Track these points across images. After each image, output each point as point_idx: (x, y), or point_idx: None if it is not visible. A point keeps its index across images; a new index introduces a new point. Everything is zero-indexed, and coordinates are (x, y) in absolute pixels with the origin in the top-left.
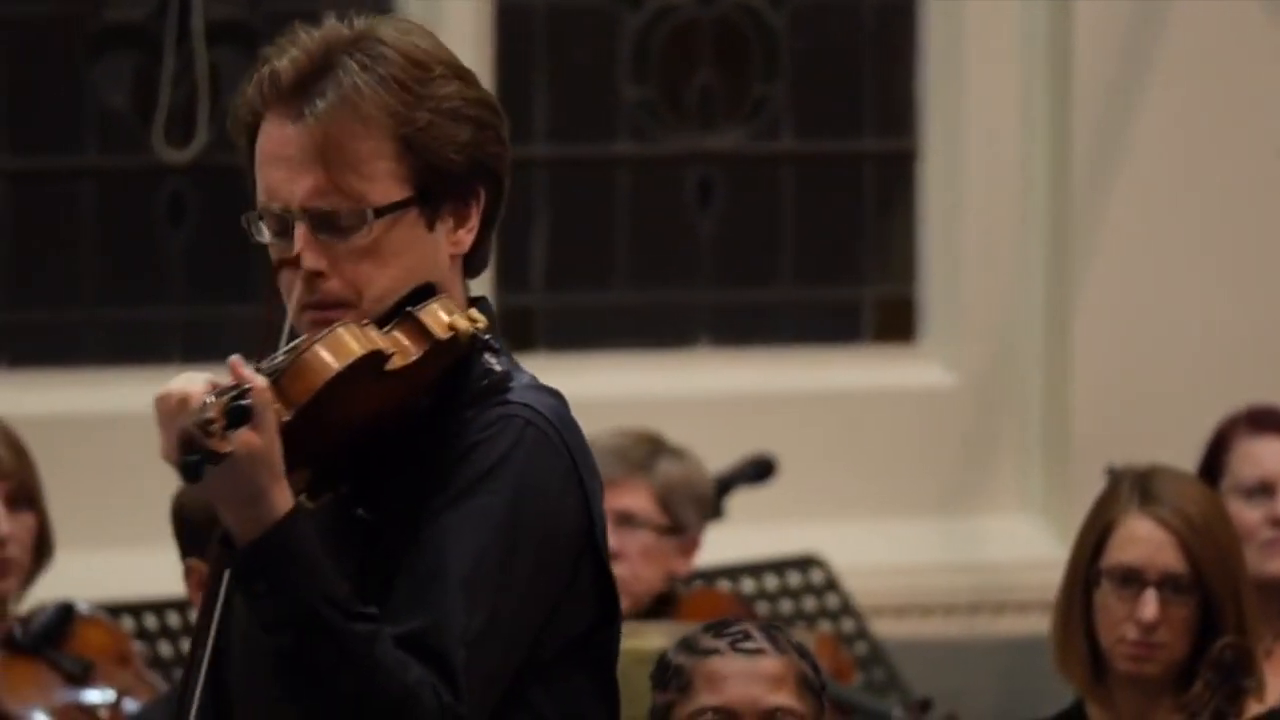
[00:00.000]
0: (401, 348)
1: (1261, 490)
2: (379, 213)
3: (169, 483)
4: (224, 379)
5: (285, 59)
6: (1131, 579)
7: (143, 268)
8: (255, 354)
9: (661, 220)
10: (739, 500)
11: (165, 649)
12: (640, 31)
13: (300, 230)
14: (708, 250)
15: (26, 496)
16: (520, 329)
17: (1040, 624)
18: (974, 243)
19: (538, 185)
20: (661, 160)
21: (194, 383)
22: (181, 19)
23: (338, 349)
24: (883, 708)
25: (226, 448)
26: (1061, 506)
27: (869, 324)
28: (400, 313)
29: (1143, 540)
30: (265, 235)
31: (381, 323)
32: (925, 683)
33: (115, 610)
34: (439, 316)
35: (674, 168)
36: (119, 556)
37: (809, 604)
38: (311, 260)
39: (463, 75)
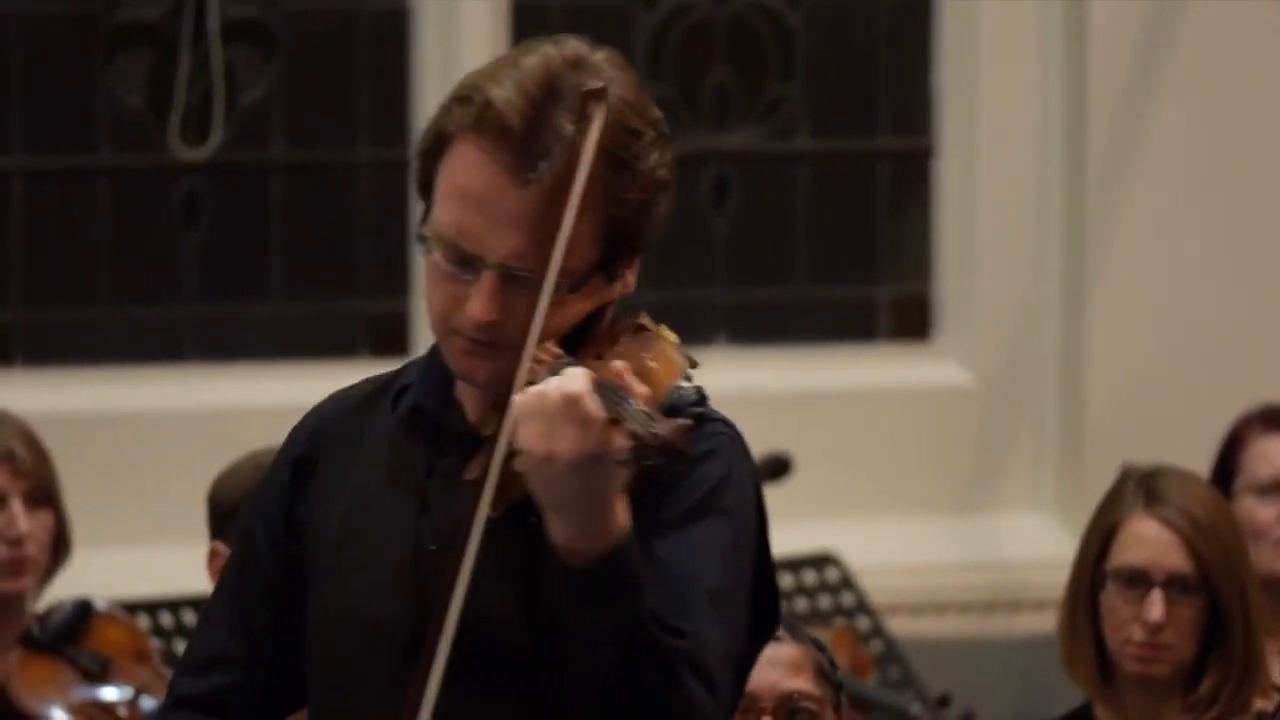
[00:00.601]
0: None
1: (1275, 488)
2: (573, 286)
3: (183, 480)
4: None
5: (506, 94)
6: (1138, 580)
7: (158, 266)
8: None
9: (676, 219)
10: None
11: (182, 646)
12: (655, 30)
13: (489, 282)
14: (723, 249)
15: (45, 495)
16: None
17: (1055, 622)
18: (989, 241)
19: None
20: (676, 159)
21: (577, 380)
22: (197, 18)
23: (669, 361)
24: (901, 704)
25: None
26: (1076, 505)
27: (884, 323)
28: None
29: (1149, 541)
30: (434, 250)
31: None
32: (940, 680)
33: (131, 607)
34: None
35: (689, 166)
36: (134, 554)
37: (824, 602)
38: (486, 313)
39: (662, 131)
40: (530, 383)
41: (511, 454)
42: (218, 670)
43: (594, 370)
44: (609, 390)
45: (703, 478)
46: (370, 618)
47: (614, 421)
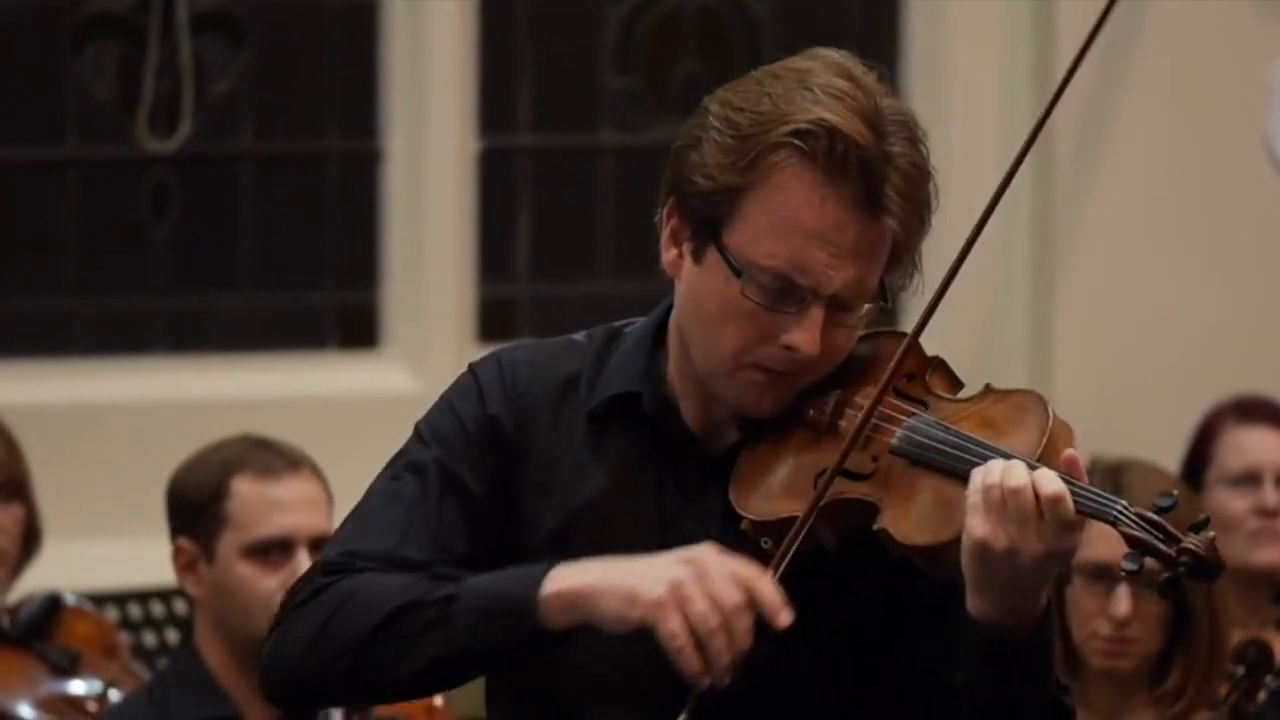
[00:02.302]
0: None
1: (1248, 480)
2: (871, 299)
3: (152, 472)
4: None
5: (848, 123)
6: (1102, 574)
7: (126, 258)
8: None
9: (645, 210)
10: None
11: (150, 638)
12: (624, 21)
13: (817, 314)
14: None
15: (15, 488)
16: (503, 319)
17: None
18: (955, 235)
19: (521, 175)
20: (645, 150)
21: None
22: (165, 9)
23: (1063, 425)
24: None
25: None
26: None
27: None
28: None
29: (1112, 536)
30: (744, 286)
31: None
32: None
33: (99, 599)
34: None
35: (658, 157)
36: (103, 545)
37: None
38: (817, 346)
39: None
40: (878, 428)
41: (847, 505)
42: (399, 569)
43: (940, 417)
44: (1070, 483)
45: None
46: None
47: (1132, 538)
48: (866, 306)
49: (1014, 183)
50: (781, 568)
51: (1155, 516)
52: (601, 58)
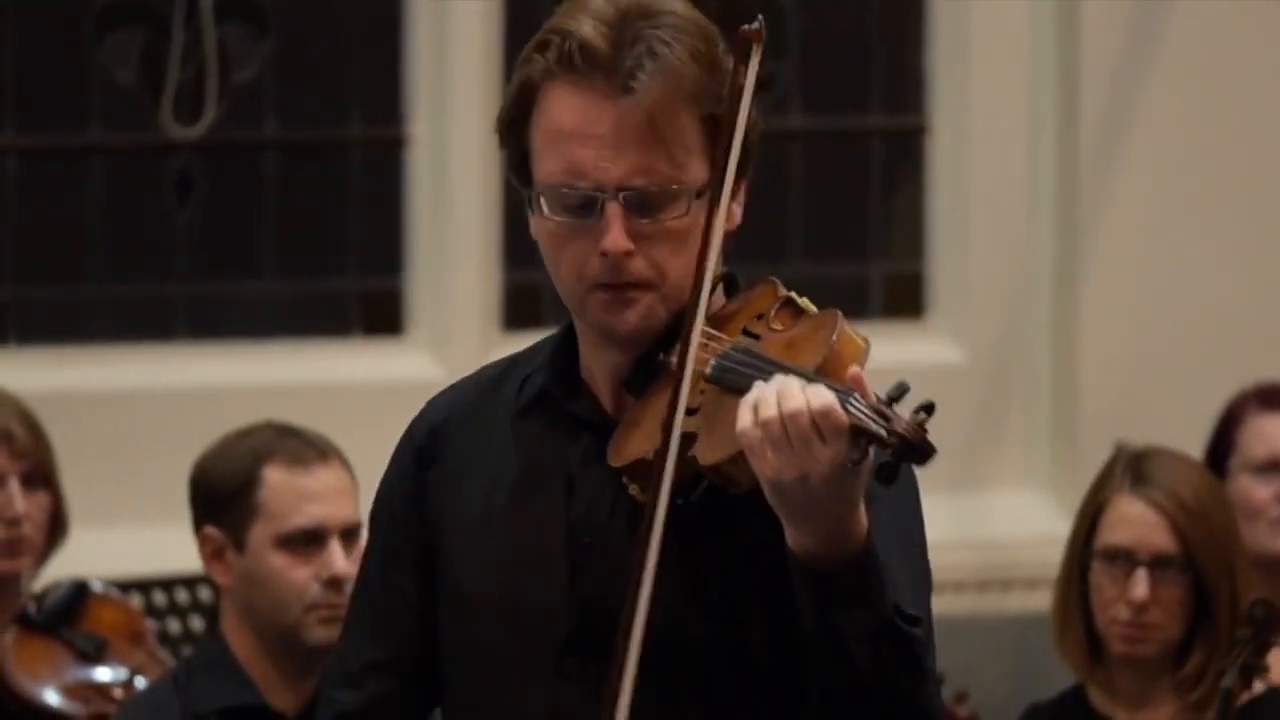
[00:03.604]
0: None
1: (1271, 467)
2: (699, 193)
3: (176, 458)
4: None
5: (586, 27)
6: (1123, 559)
7: (150, 244)
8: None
9: None
10: None
11: (174, 625)
12: None
13: (613, 210)
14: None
15: (42, 476)
16: (528, 305)
17: (1047, 600)
18: (982, 219)
19: None
20: None
21: (821, 393)
22: None
23: (855, 345)
24: None
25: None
26: (1069, 483)
27: (877, 300)
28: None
29: (1133, 521)
30: (548, 210)
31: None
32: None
33: (124, 586)
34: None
35: None
36: (127, 532)
37: None
38: (623, 241)
39: (718, 34)
40: (704, 361)
41: (687, 439)
42: (373, 678)
43: (758, 346)
44: (843, 394)
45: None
46: (526, 604)
47: (856, 428)
48: (688, 203)
49: (1039, 169)
50: (658, 513)
51: (881, 406)
52: None
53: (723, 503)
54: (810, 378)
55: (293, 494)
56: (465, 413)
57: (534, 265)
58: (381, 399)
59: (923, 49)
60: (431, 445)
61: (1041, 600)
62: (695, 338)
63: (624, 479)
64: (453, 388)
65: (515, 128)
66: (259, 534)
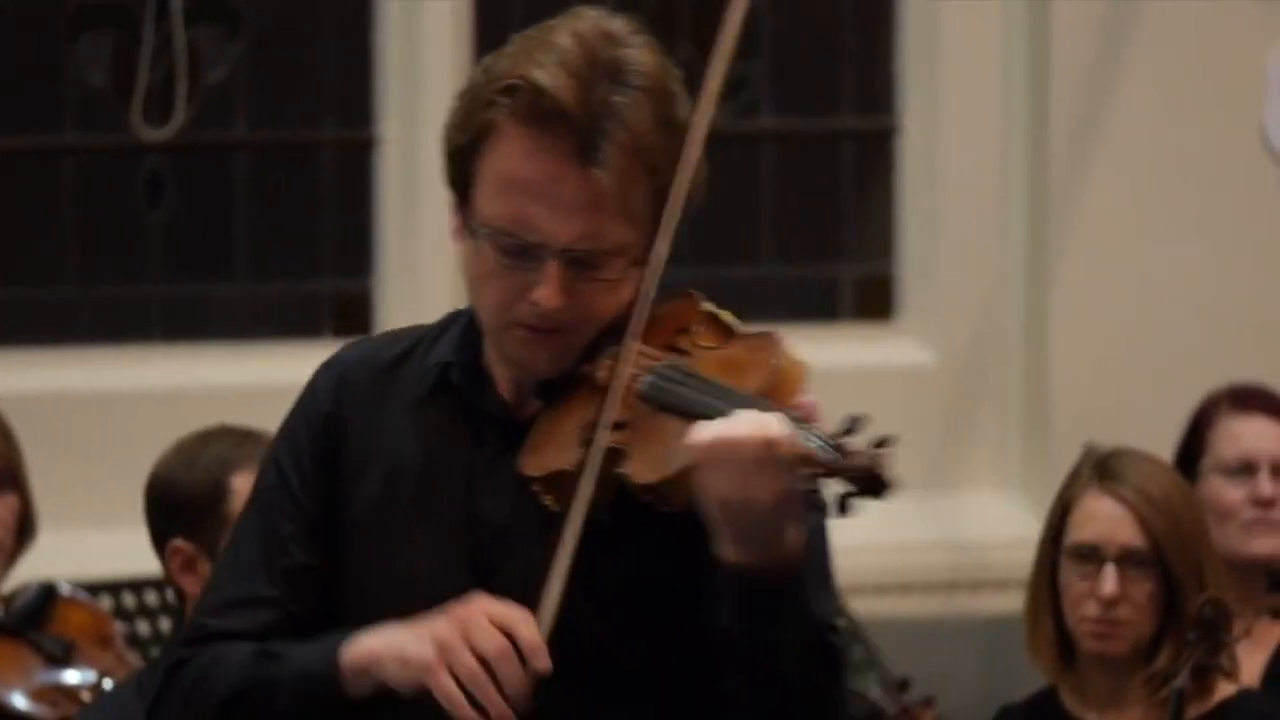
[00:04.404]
0: None
1: (1243, 469)
2: (637, 259)
3: (149, 460)
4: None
5: (554, 80)
6: (1090, 556)
7: (122, 246)
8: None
9: None
10: None
11: (143, 627)
12: (618, 8)
13: (554, 268)
14: (685, 227)
15: (10, 478)
16: None
17: (1018, 602)
18: (953, 221)
19: None
20: None
21: (769, 423)
22: None
23: (794, 364)
24: (859, 688)
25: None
26: (1040, 484)
27: (847, 302)
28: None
29: (1101, 517)
30: (485, 246)
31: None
32: (904, 660)
33: (93, 589)
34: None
35: None
36: (97, 534)
37: None
38: (557, 299)
39: (680, 82)
40: (635, 378)
41: (612, 454)
42: (252, 610)
43: (689, 364)
44: (794, 422)
45: None
46: (428, 593)
47: (813, 460)
48: (626, 263)
49: (1010, 171)
50: (574, 527)
51: (839, 438)
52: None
53: (630, 513)
54: (762, 405)
55: None
56: (369, 388)
57: None
58: None
59: (893, 50)
60: (338, 411)
61: (1012, 602)
62: (629, 355)
63: (535, 488)
64: (356, 351)
65: (464, 154)
66: None
